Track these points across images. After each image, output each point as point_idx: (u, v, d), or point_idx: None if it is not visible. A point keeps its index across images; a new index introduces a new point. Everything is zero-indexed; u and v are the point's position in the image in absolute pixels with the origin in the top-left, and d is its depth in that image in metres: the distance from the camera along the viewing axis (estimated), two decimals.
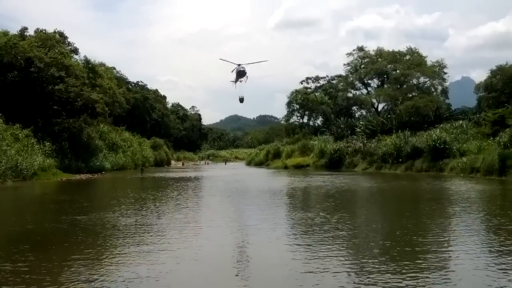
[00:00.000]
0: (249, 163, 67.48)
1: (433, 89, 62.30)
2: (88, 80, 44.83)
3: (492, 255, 7.58)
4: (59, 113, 40.72)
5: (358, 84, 70.41)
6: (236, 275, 6.70)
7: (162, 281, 6.46)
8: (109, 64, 74.94)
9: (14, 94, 36.30)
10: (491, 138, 30.98)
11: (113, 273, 6.82)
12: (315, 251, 8.00)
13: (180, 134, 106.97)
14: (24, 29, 43.80)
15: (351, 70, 69.35)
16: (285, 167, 48.31)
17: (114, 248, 8.58)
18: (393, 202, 17.07)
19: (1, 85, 35.90)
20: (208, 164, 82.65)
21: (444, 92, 63.27)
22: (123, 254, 8.01)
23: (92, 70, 49.10)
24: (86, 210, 14.32)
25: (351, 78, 69.67)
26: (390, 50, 67.44)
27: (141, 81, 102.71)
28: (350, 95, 72.99)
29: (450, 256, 7.71)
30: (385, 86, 64.31)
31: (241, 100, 34.01)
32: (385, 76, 65.36)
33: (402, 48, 67.23)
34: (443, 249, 8.23)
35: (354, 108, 74.91)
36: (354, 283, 6.17)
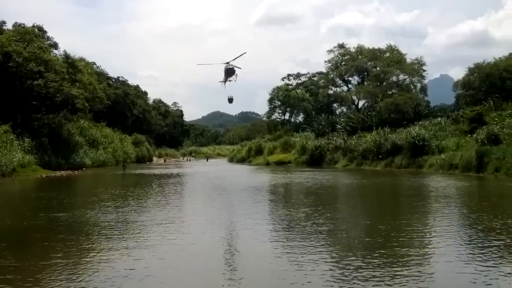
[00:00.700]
0: (231, 160, 67.36)
1: (412, 87, 63.37)
2: (68, 75, 44.03)
3: (472, 248, 7.77)
4: (39, 109, 39.93)
5: (339, 81, 71.25)
6: (223, 273, 6.72)
7: (145, 278, 6.42)
8: (90, 59, 73.49)
9: None
10: (469, 135, 31.56)
11: (94, 271, 6.77)
12: (298, 247, 8.08)
13: (162, 130, 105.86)
14: (2, 23, 43.08)
15: (331, 67, 70.05)
16: (267, 164, 48.44)
17: (96, 245, 8.50)
18: (374, 198, 17.33)
19: None
20: (190, 160, 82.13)
21: (423, 89, 64.41)
22: (104, 251, 7.95)
23: (72, 65, 48.19)
24: (66, 207, 14.15)
25: (332, 75, 70.38)
26: (370, 47, 68.53)
27: (122, 77, 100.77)
28: (330, 92, 73.76)
29: (431, 251, 7.91)
30: (365, 83, 65.13)
31: (230, 100, 32.17)
32: (365, 73, 66.17)
33: (382, 45, 68.50)
34: (424, 243, 8.45)
35: (335, 105, 75.50)
36: (334, 277, 6.28)
